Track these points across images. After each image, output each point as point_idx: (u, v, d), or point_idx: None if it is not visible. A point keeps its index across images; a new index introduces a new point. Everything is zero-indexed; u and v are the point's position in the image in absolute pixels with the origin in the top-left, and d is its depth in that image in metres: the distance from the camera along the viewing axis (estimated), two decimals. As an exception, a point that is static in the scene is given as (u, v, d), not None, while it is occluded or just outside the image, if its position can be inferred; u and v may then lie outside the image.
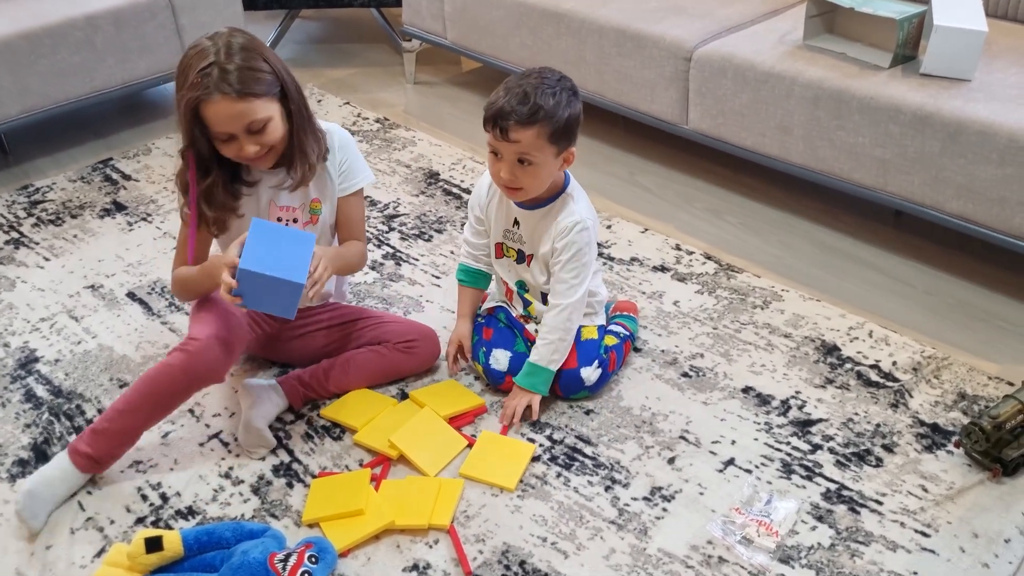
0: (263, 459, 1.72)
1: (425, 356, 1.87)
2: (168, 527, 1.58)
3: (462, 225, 2.41)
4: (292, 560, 1.42)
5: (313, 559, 1.43)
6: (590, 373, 1.80)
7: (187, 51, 1.57)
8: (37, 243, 2.38)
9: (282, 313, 1.57)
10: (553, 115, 1.62)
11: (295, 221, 1.75)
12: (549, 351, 1.76)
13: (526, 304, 1.90)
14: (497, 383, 1.84)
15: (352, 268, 1.83)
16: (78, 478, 1.62)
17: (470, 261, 1.93)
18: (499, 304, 1.94)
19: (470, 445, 1.73)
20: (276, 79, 1.60)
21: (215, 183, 1.65)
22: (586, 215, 1.75)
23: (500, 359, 1.82)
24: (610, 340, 1.88)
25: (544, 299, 1.85)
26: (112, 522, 1.60)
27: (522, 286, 1.88)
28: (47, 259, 2.32)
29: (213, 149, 1.62)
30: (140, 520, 1.60)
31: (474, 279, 1.93)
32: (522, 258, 1.84)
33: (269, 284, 1.52)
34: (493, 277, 1.95)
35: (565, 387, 1.81)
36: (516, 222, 1.81)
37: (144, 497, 1.64)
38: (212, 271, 1.64)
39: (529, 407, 1.77)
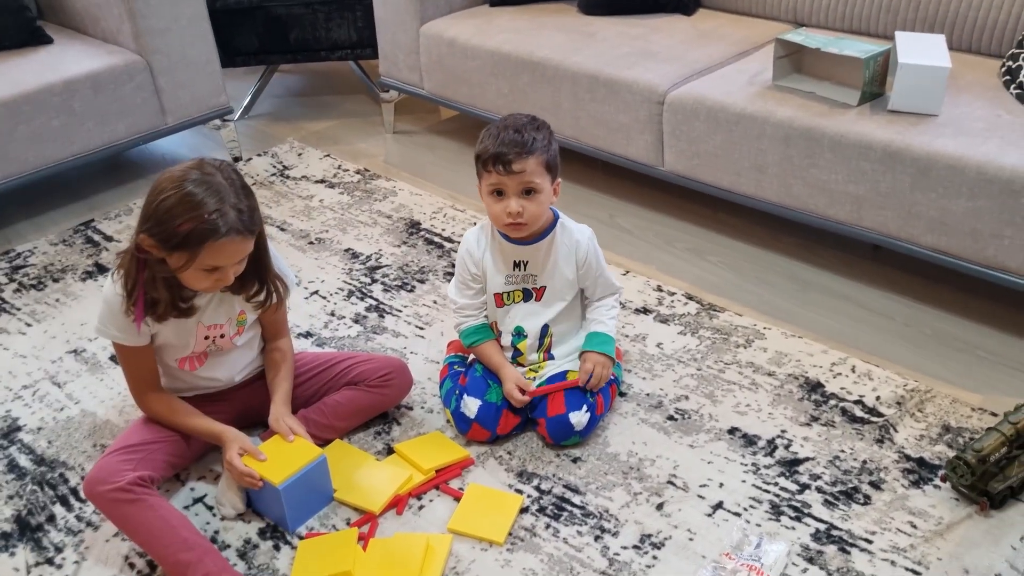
0: (240, 519, 1.70)
1: (402, 386, 1.92)
2: (154, 597, 1.57)
3: (444, 274, 2.42)
4: None
5: None
6: (580, 418, 1.80)
7: (182, 181, 1.52)
8: (19, 309, 2.37)
9: (279, 522, 1.71)
10: (546, 145, 1.77)
11: (222, 337, 1.74)
12: (613, 325, 1.93)
13: (516, 354, 1.91)
14: (464, 430, 1.84)
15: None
16: None
17: (471, 321, 1.93)
18: None
19: (457, 499, 1.73)
20: None
21: (164, 302, 1.63)
22: (584, 228, 1.92)
23: (470, 406, 1.82)
24: (596, 385, 1.89)
25: (541, 340, 1.90)
26: (97, 594, 1.58)
27: (519, 333, 1.90)
28: (29, 324, 2.31)
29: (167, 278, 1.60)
30: (126, 590, 1.58)
31: (486, 333, 1.93)
32: (529, 296, 1.89)
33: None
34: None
35: (555, 434, 1.81)
36: (518, 264, 1.87)
37: (131, 566, 1.62)
38: (220, 440, 1.70)
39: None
